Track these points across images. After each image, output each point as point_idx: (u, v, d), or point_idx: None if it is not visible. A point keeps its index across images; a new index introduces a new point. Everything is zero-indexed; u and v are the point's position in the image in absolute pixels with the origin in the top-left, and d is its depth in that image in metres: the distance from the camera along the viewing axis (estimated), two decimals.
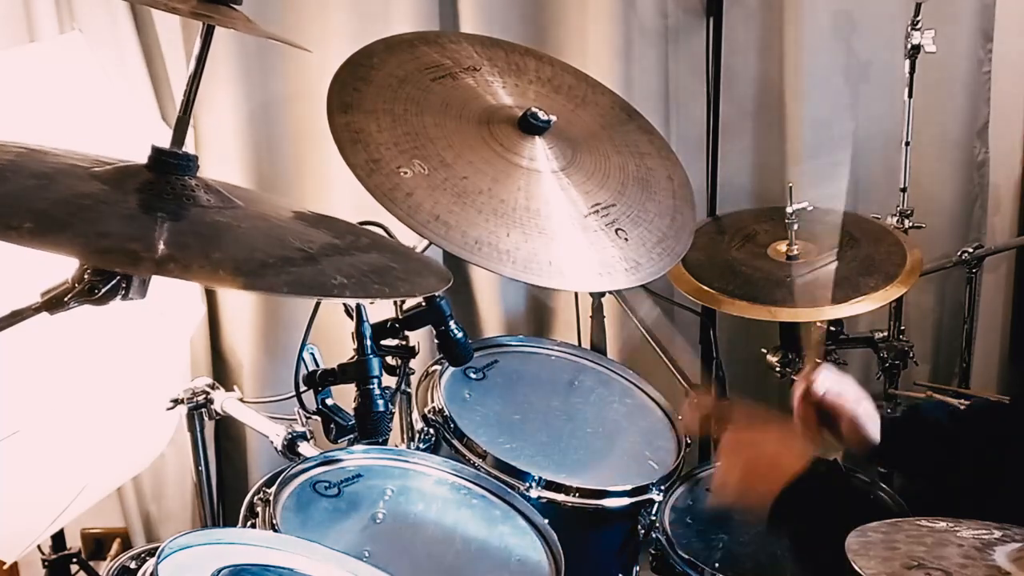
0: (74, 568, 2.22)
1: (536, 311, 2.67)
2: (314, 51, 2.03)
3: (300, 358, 1.64)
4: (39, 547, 2.15)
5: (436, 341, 1.76)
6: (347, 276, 1.14)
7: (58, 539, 2.18)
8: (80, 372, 1.82)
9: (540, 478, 1.74)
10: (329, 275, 1.12)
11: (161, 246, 1.01)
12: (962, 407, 1.88)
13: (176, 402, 1.89)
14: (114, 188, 1.08)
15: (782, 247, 2.21)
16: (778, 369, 2.23)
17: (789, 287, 2.12)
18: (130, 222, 1.05)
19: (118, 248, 0.99)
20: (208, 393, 1.89)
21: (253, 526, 1.52)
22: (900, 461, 1.61)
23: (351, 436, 1.62)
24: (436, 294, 1.74)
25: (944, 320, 2.65)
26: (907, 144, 2.30)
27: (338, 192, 2.43)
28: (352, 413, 1.60)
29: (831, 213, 2.13)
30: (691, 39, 2.48)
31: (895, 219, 2.33)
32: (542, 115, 1.85)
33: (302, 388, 1.65)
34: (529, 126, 1.85)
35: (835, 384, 1.59)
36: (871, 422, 1.59)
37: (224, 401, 1.89)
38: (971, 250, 2.38)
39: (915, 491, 1.58)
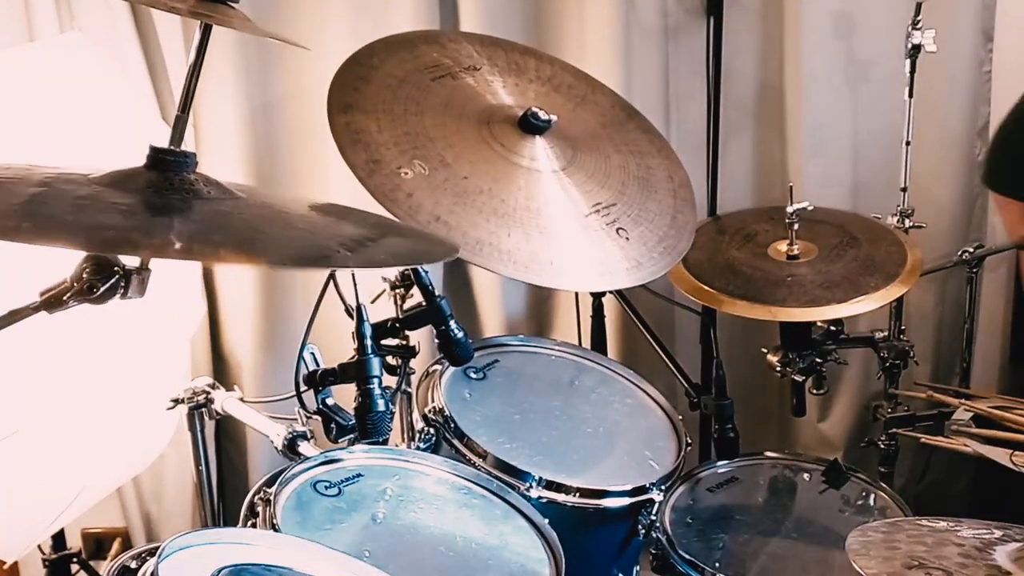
0: (74, 568, 2.22)
1: (536, 311, 2.67)
2: (313, 50, 2.02)
3: (300, 358, 1.64)
4: (39, 547, 2.14)
5: (436, 341, 1.76)
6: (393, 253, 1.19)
7: (58, 539, 2.18)
8: (80, 372, 1.82)
9: (540, 478, 1.74)
10: (381, 251, 1.16)
11: (178, 238, 1.01)
12: None
13: (176, 402, 1.89)
14: (117, 189, 1.08)
15: (782, 247, 2.20)
16: (778, 369, 2.22)
17: (789, 287, 2.12)
18: (139, 216, 1.06)
19: (141, 242, 1.00)
20: (208, 393, 1.90)
21: (253, 526, 1.52)
22: None
23: (351, 436, 1.62)
24: (437, 294, 1.75)
25: (944, 320, 2.64)
26: (907, 144, 2.29)
27: (337, 191, 2.43)
28: (352, 413, 1.60)
29: None
30: (691, 39, 2.48)
31: (895, 219, 2.32)
32: (542, 115, 1.85)
33: (302, 388, 1.65)
34: (529, 126, 1.85)
35: None
36: None
37: (224, 401, 1.89)
38: (971, 250, 2.38)
39: None
